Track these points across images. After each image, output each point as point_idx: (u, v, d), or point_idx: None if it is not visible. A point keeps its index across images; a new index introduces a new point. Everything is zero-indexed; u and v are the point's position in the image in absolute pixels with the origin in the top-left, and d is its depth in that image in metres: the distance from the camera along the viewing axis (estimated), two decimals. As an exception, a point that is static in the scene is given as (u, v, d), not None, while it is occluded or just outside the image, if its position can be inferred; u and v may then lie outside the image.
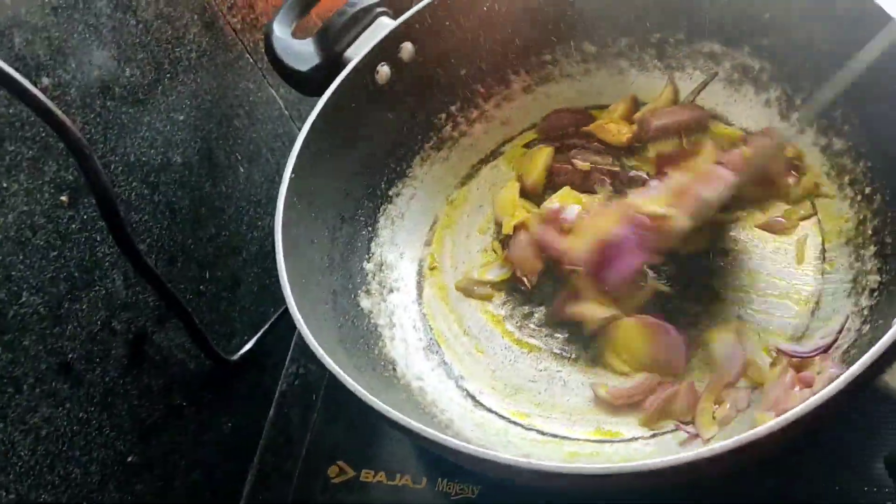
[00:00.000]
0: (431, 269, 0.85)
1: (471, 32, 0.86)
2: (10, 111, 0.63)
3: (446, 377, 0.78)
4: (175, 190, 0.83)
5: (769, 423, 0.50)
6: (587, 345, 0.76)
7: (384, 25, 0.82)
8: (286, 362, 0.89)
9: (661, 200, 0.76)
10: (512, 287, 0.81)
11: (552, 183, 0.86)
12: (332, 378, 0.61)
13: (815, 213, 0.78)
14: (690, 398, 0.69)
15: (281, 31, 0.82)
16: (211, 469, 0.87)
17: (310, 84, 0.82)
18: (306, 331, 0.63)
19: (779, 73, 0.82)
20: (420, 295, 0.84)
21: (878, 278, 0.70)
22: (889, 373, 0.52)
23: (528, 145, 0.91)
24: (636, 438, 0.70)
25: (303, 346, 0.64)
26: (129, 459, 0.76)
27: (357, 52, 0.80)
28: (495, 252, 0.84)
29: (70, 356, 0.69)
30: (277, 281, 0.67)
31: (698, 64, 0.86)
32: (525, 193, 0.86)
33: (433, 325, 0.81)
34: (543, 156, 0.87)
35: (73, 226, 0.70)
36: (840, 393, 0.50)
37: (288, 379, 0.87)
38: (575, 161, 0.86)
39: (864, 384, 0.51)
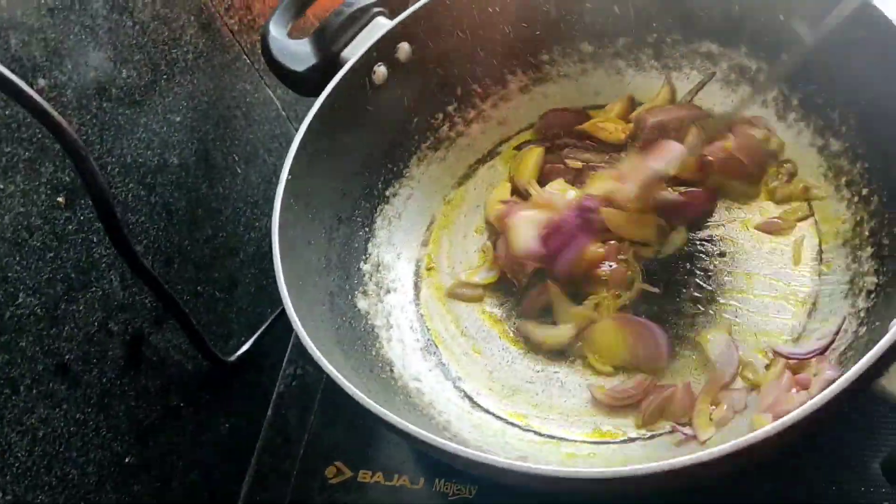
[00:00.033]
0: (428, 269, 0.85)
1: (468, 32, 0.86)
2: (7, 112, 0.63)
3: (444, 378, 0.78)
4: (172, 191, 0.83)
5: (766, 427, 0.50)
6: (583, 346, 0.77)
7: (381, 25, 0.82)
8: (284, 363, 0.89)
9: (608, 178, 0.80)
10: (508, 287, 0.81)
11: (544, 183, 0.86)
12: (330, 379, 0.61)
13: (812, 215, 0.78)
14: (687, 399, 0.69)
15: (277, 32, 0.82)
16: (209, 470, 0.87)
17: (306, 84, 0.81)
18: (303, 332, 0.63)
19: (776, 73, 0.81)
20: (417, 295, 0.84)
21: (875, 280, 0.70)
22: (886, 376, 0.52)
23: (519, 147, 0.91)
24: (633, 439, 0.70)
25: (300, 347, 0.64)
26: (127, 460, 0.76)
27: (354, 53, 0.80)
28: (484, 253, 0.84)
29: (67, 357, 0.69)
30: (275, 282, 0.67)
31: (695, 64, 0.86)
32: (517, 194, 0.86)
33: (430, 325, 0.81)
34: (534, 156, 0.88)
35: (70, 227, 0.69)
36: (837, 397, 0.50)
37: (285, 380, 0.87)
38: (567, 160, 0.87)
39: (861, 388, 0.51)
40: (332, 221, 0.80)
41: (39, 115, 0.62)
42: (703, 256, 0.78)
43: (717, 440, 0.67)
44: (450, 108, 0.90)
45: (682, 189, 0.81)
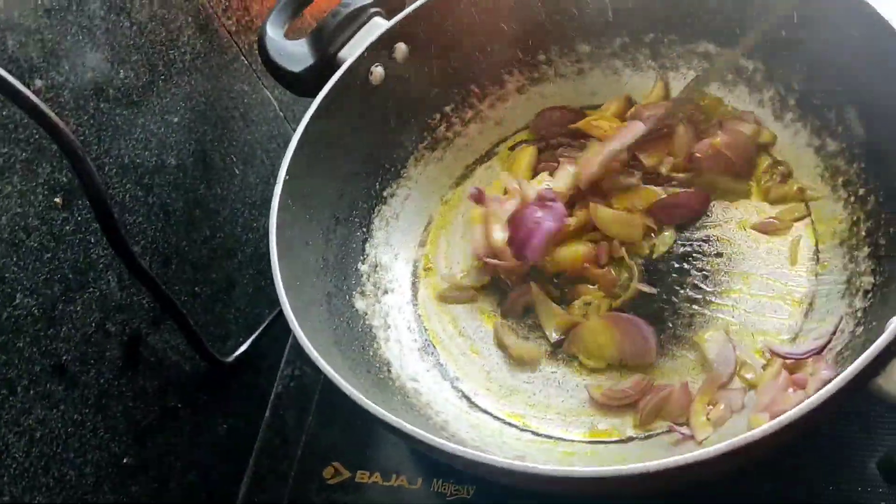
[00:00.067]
0: (426, 269, 0.85)
1: (465, 33, 0.86)
2: (4, 113, 0.63)
3: (441, 378, 0.78)
4: (169, 192, 0.83)
5: (763, 426, 0.50)
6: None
7: (378, 26, 0.82)
8: (281, 364, 0.89)
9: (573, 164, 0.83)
10: (505, 288, 0.81)
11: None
12: (328, 380, 0.61)
13: (809, 215, 0.78)
14: (684, 399, 0.69)
15: (274, 32, 0.82)
16: (206, 471, 0.87)
17: (303, 85, 0.81)
18: (300, 333, 0.63)
19: (772, 73, 0.82)
20: (415, 296, 0.84)
21: (872, 280, 0.70)
22: (882, 376, 0.52)
23: (513, 147, 0.91)
24: (630, 439, 0.70)
25: (298, 348, 0.64)
26: (124, 461, 0.75)
27: (351, 53, 0.80)
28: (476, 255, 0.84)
29: (64, 358, 0.69)
30: (272, 283, 0.67)
31: (692, 64, 0.86)
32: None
33: (428, 326, 0.81)
34: (527, 155, 0.88)
35: (67, 227, 0.69)
36: (834, 396, 0.50)
37: (283, 380, 0.87)
38: (562, 159, 0.87)
39: (858, 387, 0.52)
40: (330, 222, 0.80)
41: (36, 116, 0.61)
42: (700, 256, 0.78)
43: (714, 440, 0.67)
44: (447, 109, 0.90)
45: (676, 191, 0.82)
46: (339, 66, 0.79)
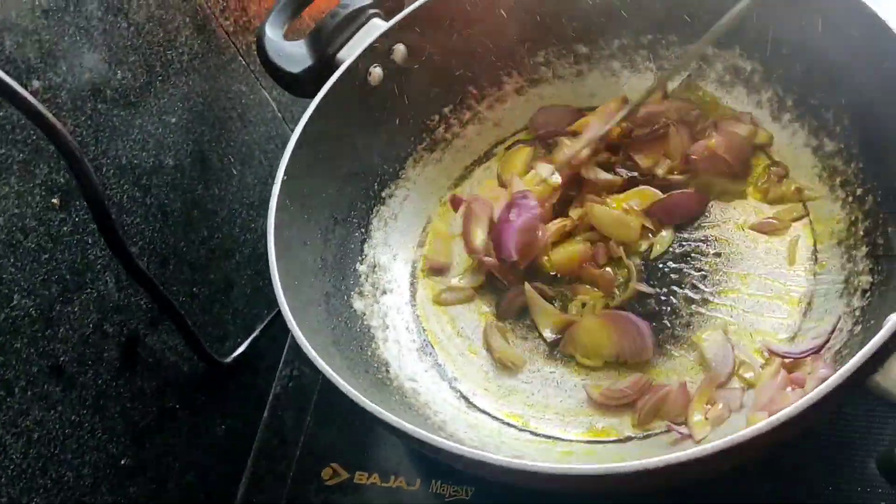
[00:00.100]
0: (424, 270, 0.85)
1: (463, 34, 0.86)
2: (1, 114, 0.63)
3: (440, 378, 0.78)
4: (167, 192, 0.83)
5: (760, 423, 0.50)
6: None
7: (377, 27, 0.82)
8: (280, 364, 0.88)
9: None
10: (502, 288, 0.81)
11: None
12: (326, 380, 0.61)
13: (807, 215, 0.78)
14: (683, 399, 0.69)
15: (273, 33, 0.82)
16: (205, 472, 0.87)
17: (302, 86, 0.81)
18: (298, 333, 0.63)
19: (770, 74, 0.82)
20: (413, 296, 0.84)
21: (870, 279, 0.70)
22: (880, 372, 0.52)
23: (509, 147, 0.91)
24: (629, 439, 0.70)
25: (296, 349, 0.64)
26: (122, 462, 0.75)
27: (349, 54, 0.80)
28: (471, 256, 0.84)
29: (62, 359, 0.69)
30: (271, 283, 0.67)
31: (690, 65, 0.86)
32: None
33: (426, 326, 0.81)
34: (523, 156, 0.88)
35: (65, 228, 0.69)
36: (831, 393, 0.50)
37: (282, 381, 0.87)
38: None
39: (856, 384, 0.52)
40: (328, 222, 0.80)
41: (34, 117, 0.61)
42: (699, 256, 0.78)
43: (712, 439, 0.66)
44: (445, 110, 0.90)
45: (673, 192, 0.82)
46: (337, 67, 0.79)
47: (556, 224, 0.81)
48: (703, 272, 0.77)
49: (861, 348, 0.52)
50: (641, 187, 0.82)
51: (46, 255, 0.67)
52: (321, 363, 0.61)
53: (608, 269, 0.79)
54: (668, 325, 0.75)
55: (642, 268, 0.79)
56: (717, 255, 0.78)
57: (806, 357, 0.68)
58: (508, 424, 0.73)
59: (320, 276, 0.77)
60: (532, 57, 0.90)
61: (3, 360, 0.63)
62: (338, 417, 0.82)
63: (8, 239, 0.64)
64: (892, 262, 0.69)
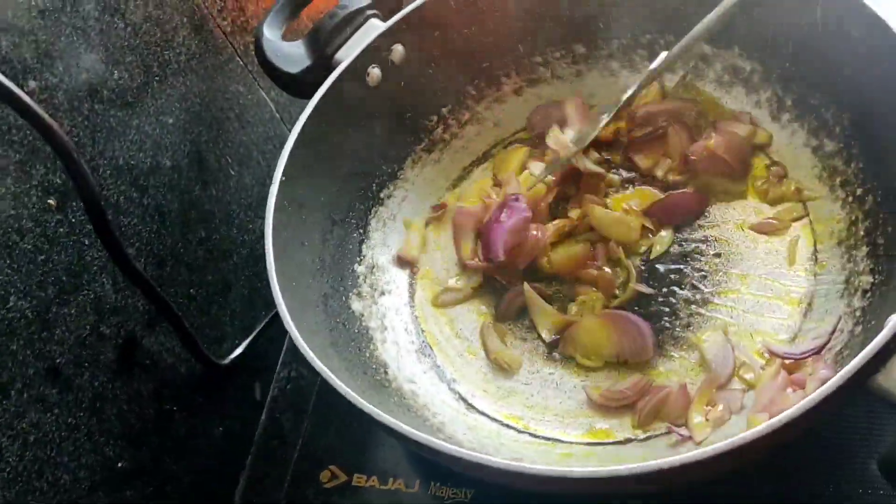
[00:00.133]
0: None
1: (461, 35, 0.86)
2: (-3, 115, 0.63)
3: (438, 380, 0.77)
4: (164, 193, 0.82)
5: (761, 425, 0.50)
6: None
7: (375, 27, 0.82)
8: (278, 366, 0.88)
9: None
10: (501, 289, 0.81)
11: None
12: (325, 382, 0.61)
13: (807, 215, 0.78)
14: (683, 400, 0.69)
15: (271, 34, 0.82)
16: (202, 474, 0.86)
17: (300, 86, 0.81)
18: (296, 334, 0.63)
19: (769, 74, 0.82)
20: (412, 297, 0.83)
21: (871, 279, 0.70)
22: (882, 373, 0.52)
23: (506, 146, 0.91)
24: (629, 440, 0.70)
25: (294, 350, 0.63)
26: (119, 465, 0.75)
27: (348, 55, 0.80)
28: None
29: (58, 361, 0.68)
30: (268, 284, 0.66)
31: (689, 65, 0.86)
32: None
33: (425, 327, 0.81)
34: (519, 155, 0.88)
35: (61, 229, 0.69)
36: (832, 395, 0.50)
37: (280, 383, 0.87)
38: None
39: (857, 386, 0.51)
40: (326, 223, 0.80)
41: (30, 118, 0.61)
42: (698, 257, 0.78)
43: (713, 441, 0.66)
44: (444, 110, 0.90)
45: (673, 192, 0.82)
46: (335, 68, 0.79)
47: (556, 224, 0.81)
48: (702, 273, 0.77)
49: (862, 349, 0.52)
50: (641, 187, 0.82)
51: (43, 257, 0.67)
52: (319, 365, 0.61)
53: (608, 269, 0.78)
54: (668, 325, 0.75)
55: (642, 268, 0.79)
56: (717, 255, 0.78)
57: (806, 358, 0.68)
58: (508, 426, 0.73)
59: (318, 278, 0.77)
60: (530, 57, 0.90)
61: (-1, 362, 0.63)
62: (336, 419, 0.82)
63: (4, 240, 0.63)
64: (893, 263, 0.69)
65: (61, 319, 0.69)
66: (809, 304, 0.73)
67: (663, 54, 0.81)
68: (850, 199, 0.76)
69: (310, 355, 0.62)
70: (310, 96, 0.77)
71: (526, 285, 0.78)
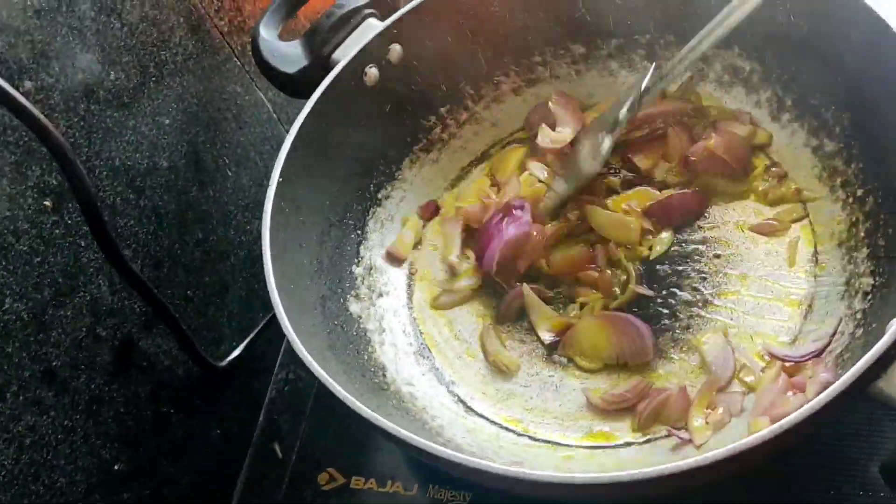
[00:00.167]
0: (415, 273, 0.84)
1: (459, 34, 0.85)
2: (-8, 116, 0.63)
3: (437, 382, 0.77)
4: (161, 194, 0.82)
5: (762, 431, 0.50)
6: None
7: (372, 27, 0.81)
8: (275, 368, 0.88)
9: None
10: (500, 291, 0.81)
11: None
12: (322, 384, 0.61)
13: (807, 216, 0.77)
14: (683, 403, 0.69)
15: (267, 33, 0.82)
16: (200, 477, 0.86)
17: (297, 86, 0.81)
18: (293, 336, 0.63)
19: (769, 74, 0.81)
20: (410, 299, 0.83)
21: (872, 281, 0.70)
22: (883, 378, 0.52)
23: (504, 146, 0.91)
24: (629, 444, 0.70)
25: (292, 352, 0.63)
26: (116, 467, 0.75)
27: (345, 54, 0.79)
28: (468, 258, 0.84)
29: (55, 363, 0.68)
30: (266, 286, 0.66)
31: (693, 67, 0.86)
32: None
33: (423, 329, 0.81)
34: (517, 155, 0.88)
35: (57, 231, 0.69)
36: (834, 399, 0.50)
37: (277, 385, 0.87)
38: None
39: (858, 391, 0.51)
40: (324, 224, 0.80)
41: (25, 118, 0.61)
42: (698, 258, 0.78)
43: (713, 444, 0.66)
44: (442, 110, 0.89)
45: (672, 193, 0.81)
46: (333, 68, 0.79)
47: (555, 226, 0.80)
48: (702, 274, 0.77)
49: (863, 352, 0.51)
50: (640, 188, 0.82)
51: (39, 258, 0.67)
52: (316, 367, 0.61)
53: (607, 271, 0.78)
54: (668, 327, 0.75)
55: (641, 270, 0.78)
56: (717, 256, 0.78)
57: (807, 360, 0.68)
58: (507, 429, 0.73)
59: (316, 279, 0.76)
60: (529, 57, 0.89)
61: (-5, 364, 0.62)
62: (334, 422, 0.82)
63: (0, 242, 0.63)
64: (894, 264, 0.68)
65: (57, 321, 0.68)
66: (810, 306, 0.72)
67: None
68: (851, 199, 0.75)
69: (307, 358, 0.61)
70: (307, 96, 0.77)
71: (525, 287, 0.78)
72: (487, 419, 0.74)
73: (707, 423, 0.67)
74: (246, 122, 0.96)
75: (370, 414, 0.58)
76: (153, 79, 0.82)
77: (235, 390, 0.93)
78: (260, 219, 0.70)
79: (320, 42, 0.80)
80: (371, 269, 0.83)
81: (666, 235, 0.79)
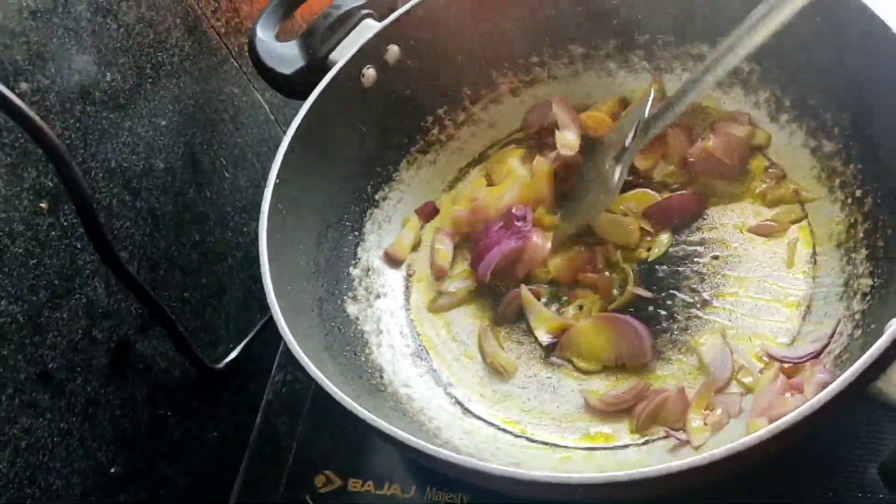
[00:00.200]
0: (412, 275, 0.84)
1: (457, 35, 0.85)
2: (-13, 117, 0.62)
3: (434, 384, 0.77)
4: (158, 196, 0.82)
5: (760, 431, 0.49)
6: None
7: (369, 27, 0.81)
8: (272, 370, 0.88)
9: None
10: (498, 292, 0.81)
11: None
12: (319, 386, 0.60)
13: (806, 217, 0.77)
14: (681, 404, 0.69)
15: (264, 34, 0.81)
16: (196, 479, 0.86)
17: (294, 87, 0.81)
18: (290, 338, 0.63)
19: (768, 74, 0.81)
20: (407, 300, 0.83)
21: (871, 282, 0.70)
22: (882, 379, 0.51)
23: (502, 147, 0.90)
24: (627, 445, 0.70)
25: (290, 354, 0.63)
26: (113, 470, 0.75)
27: (342, 55, 0.79)
28: (465, 259, 0.84)
29: (50, 365, 0.68)
30: (263, 287, 0.66)
31: (687, 66, 0.86)
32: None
33: (421, 330, 0.81)
34: (515, 156, 0.88)
35: (53, 233, 0.68)
36: (832, 401, 0.50)
37: (275, 387, 0.86)
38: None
39: (857, 391, 0.51)
40: (321, 226, 0.80)
41: (21, 120, 0.61)
42: (696, 259, 0.78)
43: (711, 445, 0.66)
44: (440, 111, 0.89)
45: (671, 194, 0.81)
46: (330, 68, 0.78)
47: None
48: (701, 275, 0.77)
49: (862, 353, 0.51)
50: (639, 190, 0.82)
51: (34, 260, 0.67)
52: (313, 369, 0.61)
53: (606, 272, 0.78)
54: (666, 328, 0.74)
55: (640, 271, 0.78)
56: (715, 257, 0.78)
57: (805, 362, 0.68)
58: (504, 430, 0.72)
59: (313, 281, 0.76)
60: (527, 57, 0.89)
61: (-10, 367, 0.62)
62: (331, 423, 0.81)
63: (-5, 244, 0.63)
64: (893, 265, 0.68)
65: (53, 324, 0.68)
66: (808, 307, 0.72)
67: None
68: (849, 200, 0.75)
69: (304, 360, 0.61)
70: (304, 97, 0.77)
71: (523, 288, 0.78)
72: (485, 421, 0.73)
73: (705, 424, 0.67)
74: (243, 124, 0.96)
75: (367, 415, 0.58)
76: (150, 80, 0.81)
77: (232, 392, 0.93)
78: (257, 220, 0.70)
79: (317, 43, 0.80)
80: (368, 270, 0.83)
81: (664, 237, 0.79)
